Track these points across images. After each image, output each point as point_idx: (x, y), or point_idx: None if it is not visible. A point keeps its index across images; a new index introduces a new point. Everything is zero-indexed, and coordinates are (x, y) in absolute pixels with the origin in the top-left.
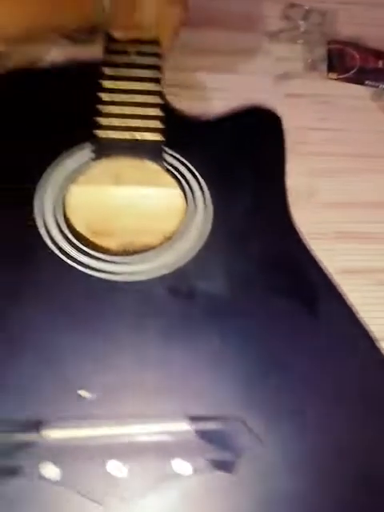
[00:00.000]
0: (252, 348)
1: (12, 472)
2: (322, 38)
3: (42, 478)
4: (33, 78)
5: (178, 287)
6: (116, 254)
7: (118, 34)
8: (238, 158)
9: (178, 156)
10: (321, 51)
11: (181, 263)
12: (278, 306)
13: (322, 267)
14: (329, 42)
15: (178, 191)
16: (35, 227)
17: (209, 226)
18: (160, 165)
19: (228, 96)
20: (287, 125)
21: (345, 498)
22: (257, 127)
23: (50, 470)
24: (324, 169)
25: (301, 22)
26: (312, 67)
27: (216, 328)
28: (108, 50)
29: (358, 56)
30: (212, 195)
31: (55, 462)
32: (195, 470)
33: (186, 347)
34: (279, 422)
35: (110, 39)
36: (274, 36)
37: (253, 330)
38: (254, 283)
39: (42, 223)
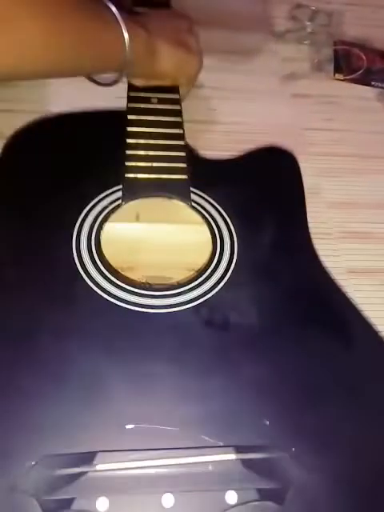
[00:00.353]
0: (289, 378)
1: (66, 505)
2: (328, 38)
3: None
4: (70, 124)
5: (211, 318)
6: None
7: (138, 82)
8: (259, 196)
9: (202, 194)
10: (327, 52)
11: (211, 295)
12: (310, 336)
13: (348, 296)
14: (335, 43)
15: (205, 227)
16: (73, 264)
17: (235, 260)
18: (186, 203)
19: (234, 96)
20: (293, 124)
21: None
22: (275, 167)
23: (104, 504)
24: (329, 169)
25: (307, 23)
26: (318, 68)
27: (252, 358)
28: (131, 98)
29: (364, 57)
30: (237, 230)
31: (108, 495)
32: (244, 500)
33: (225, 377)
34: (324, 452)
35: (131, 87)
36: (280, 36)
37: (289, 361)
38: (283, 314)
39: (79, 260)
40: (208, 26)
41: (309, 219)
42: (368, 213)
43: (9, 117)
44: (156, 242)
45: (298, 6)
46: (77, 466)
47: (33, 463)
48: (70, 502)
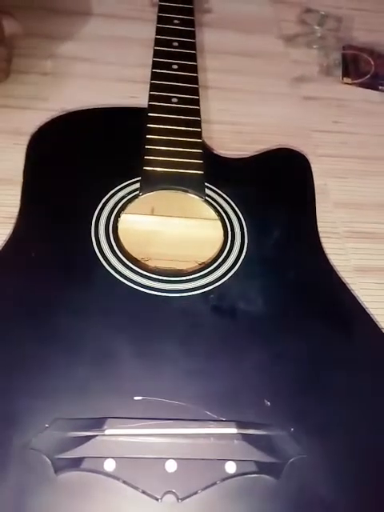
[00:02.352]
0: (293, 365)
1: (75, 464)
2: (337, 43)
3: (102, 471)
4: (90, 120)
5: (219, 304)
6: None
7: None
8: (271, 194)
9: (217, 190)
10: (336, 56)
11: (220, 284)
12: (313, 327)
13: (353, 293)
14: (344, 48)
15: (218, 223)
16: (92, 249)
17: (245, 253)
18: (201, 197)
19: (245, 97)
20: (302, 126)
21: None
22: (288, 167)
23: (111, 465)
24: (337, 170)
25: (317, 27)
26: (327, 71)
27: (256, 344)
28: (152, 97)
29: (372, 62)
30: (248, 225)
31: (116, 458)
32: (243, 472)
33: (230, 359)
34: (321, 433)
35: (153, 86)
36: (290, 40)
37: (292, 349)
38: (288, 306)
39: (97, 245)
40: (221, 29)
41: (317, 218)
42: (375, 213)
43: (26, 114)
44: (169, 235)
45: (308, 10)
46: (87, 429)
47: (47, 425)
48: (79, 461)
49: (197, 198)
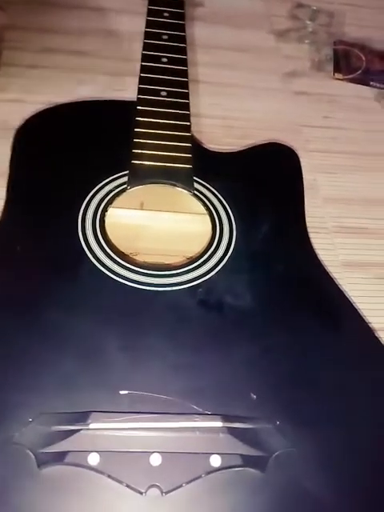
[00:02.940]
0: (280, 359)
1: (59, 458)
2: (328, 38)
3: (86, 465)
4: (77, 113)
5: (206, 298)
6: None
7: None
8: (260, 189)
9: (205, 184)
10: (327, 51)
11: (207, 278)
12: (300, 320)
13: (341, 288)
14: (335, 43)
15: (206, 217)
16: (79, 243)
17: (233, 247)
18: (189, 190)
19: (237, 92)
20: (292, 121)
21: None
22: (277, 162)
23: (95, 459)
24: (327, 165)
25: (308, 22)
26: (318, 67)
27: (243, 338)
28: (141, 90)
29: (363, 57)
30: (236, 220)
31: (100, 452)
32: (228, 465)
33: (216, 353)
34: (306, 427)
35: (142, 80)
36: (281, 35)
37: (279, 343)
38: (276, 300)
39: (84, 239)
40: (212, 24)
41: (306, 213)
42: (363, 209)
43: (15, 107)
44: (157, 230)
45: (299, 5)
46: (71, 423)
47: (30, 420)
48: (63, 455)
49: (185, 191)
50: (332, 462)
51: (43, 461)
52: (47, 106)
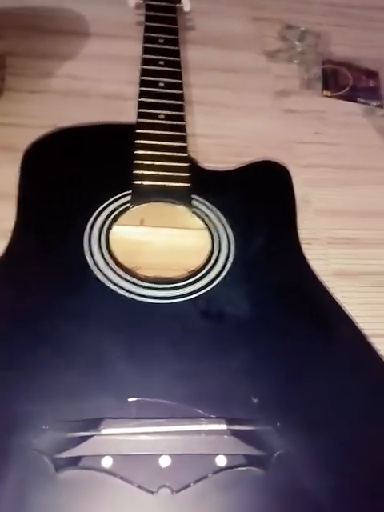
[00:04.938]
0: (276, 364)
1: (75, 462)
2: (317, 57)
3: (100, 468)
4: (82, 136)
5: (207, 309)
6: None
7: None
8: (255, 204)
9: (203, 201)
10: (316, 70)
11: (208, 290)
12: (295, 327)
13: (333, 296)
14: (323, 62)
15: (205, 232)
16: (85, 258)
17: (231, 260)
18: (188, 208)
19: (230, 111)
20: (284, 138)
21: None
22: (270, 178)
23: (108, 462)
24: (318, 179)
25: (297, 43)
26: (308, 85)
27: (243, 345)
28: (140, 114)
29: (350, 75)
30: (234, 234)
31: (113, 455)
32: (233, 465)
33: (218, 360)
34: (305, 428)
35: (141, 104)
36: (271, 55)
37: (276, 349)
38: (272, 308)
39: (91, 255)
40: (205, 46)
41: (299, 226)
42: (354, 220)
43: (18, 130)
44: (159, 245)
45: (288, 26)
46: (85, 430)
47: (46, 427)
48: (78, 460)
49: (184, 209)
50: (327, 459)
51: (60, 465)
52: (53, 130)
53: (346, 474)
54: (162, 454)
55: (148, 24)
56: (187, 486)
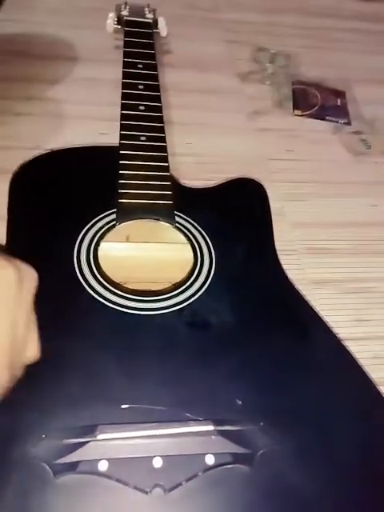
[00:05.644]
0: (260, 369)
1: (72, 467)
2: (287, 78)
3: (97, 472)
4: (69, 157)
5: (192, 319)
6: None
7: None
8: (233, 219)
9: (185, 217)
10: (286, 91)
11: (192, 301)
12: (274, 333)
13: (310, 303)
14: (293, 83)
15: (188, 246)
16: (75, 273)
17: (213, 272)
18: (171, 224)
19: (206, 131)
20: (259, 155)
21: (347, 496)
22: (246, 194)
23: (104, 466)
24: (292, 194)
25: (268, 65)
26: (279, 105)
27: (227, 352)
28: (122, 136)
29: (319, 95)
30: (215, 248)
31: (108, 459)
32: (220, 463)
33: (204, 367)
34: (287, 427)
35: (122, 126)
36: (244, 77)
37: (258, 355)
38: (253, 316)
39: (80, 271)
40: (181, 68)
41: (275, 238)
42: (327, 231)
43: (7, 153)
44: (144, 260)
45: (260, 49)
46: (81, 436)
47: (44, 436)
48: (75, 465)
49: (168, 225)
50: (307, 456)
51: (58, 471)
52: (41, 152)
53: (324, 469)
54: (154, 456)
55: (126, 49)
56: (179, 485)
